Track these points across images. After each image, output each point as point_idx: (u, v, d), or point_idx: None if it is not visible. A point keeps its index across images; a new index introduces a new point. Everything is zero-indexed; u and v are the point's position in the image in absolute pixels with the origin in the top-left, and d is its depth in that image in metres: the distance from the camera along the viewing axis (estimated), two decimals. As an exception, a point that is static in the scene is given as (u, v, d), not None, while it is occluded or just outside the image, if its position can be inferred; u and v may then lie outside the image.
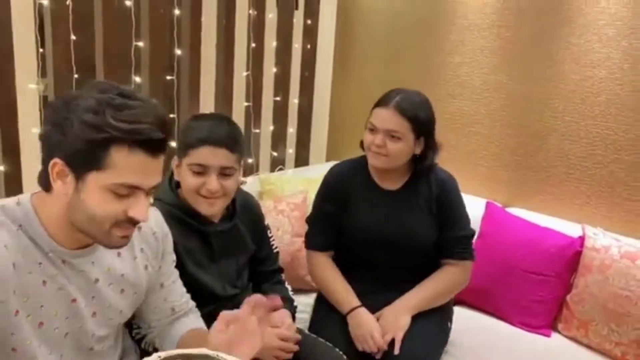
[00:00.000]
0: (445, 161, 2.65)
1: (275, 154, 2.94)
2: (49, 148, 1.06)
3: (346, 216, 1.86)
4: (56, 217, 1.09)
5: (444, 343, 1.88)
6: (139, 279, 1.28)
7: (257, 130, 2.80)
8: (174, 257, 1.42)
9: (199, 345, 1.02)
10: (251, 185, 2.53)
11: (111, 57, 2.19)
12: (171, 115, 2.42)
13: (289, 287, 1.85)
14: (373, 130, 1.75)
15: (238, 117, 2.69)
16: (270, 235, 1.85)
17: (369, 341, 1.69)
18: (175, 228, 1.47)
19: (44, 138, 1.07)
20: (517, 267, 2.16)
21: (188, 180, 1.52)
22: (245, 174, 2.78)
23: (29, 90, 1.97)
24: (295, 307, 1.78)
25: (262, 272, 1.82)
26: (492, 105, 2.57)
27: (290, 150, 3.04)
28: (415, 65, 2.78)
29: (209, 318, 1.44)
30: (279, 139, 2.96)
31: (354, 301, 1.80)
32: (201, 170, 1.50)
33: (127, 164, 1.02)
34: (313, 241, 1.93)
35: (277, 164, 2.96)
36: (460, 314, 2.17)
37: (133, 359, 1.40)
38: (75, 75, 2.08)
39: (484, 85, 2.58)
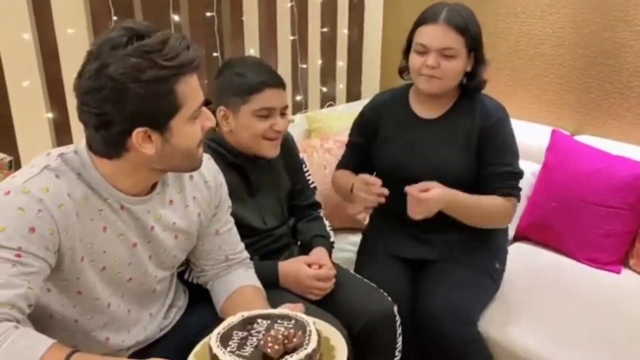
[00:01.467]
0: (507, 86, 2.51)
1: (324, 89, 2.83)
2: (111, 122, 1.03)
3: (375, 148, 1.77)
4: (121, 172, 1.11)
5: (491, 290, 1.74)
6: (190, 226, 1.29)
7: (304, 66, 2.69)
8: (229, 203, 1.41)
9: (250, 305, 1.15)
10: (298, 123, 2.45)
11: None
12: (214, 54, 2.36)
13: (327, 223, 1.80)
14: (423, 51, 1.61)
15: (284, 52, 2.59)
16: (306, 169, 1.81)
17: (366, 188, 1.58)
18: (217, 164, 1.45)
19: (97, 114, 1.02)
20: (584, 199, 1.99)
21: (254, 126, 1.51)
22: (294, 112, 2.71)
23: (69, 35, 1.96)
24: (332, 242, 1.74)
25: (299, 207, 1.78)
26: (559, 23, 2.32)
27: (341, 85, 2.92)
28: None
29: (250, 250, 1.48)
30: (328, 74, 2.84)
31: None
32: (267, 114, 1.50)
33: (191, 92, 1.07)
34: (340, 164, 1.89)
35: (327, 100, 2.85)
36: (518, 249, 2.07)
37: (182, 297, 1.44)
38: (114, 17, 2.05)
39: (550, 1, 2.32)
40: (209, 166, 1.34)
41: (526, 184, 2.13)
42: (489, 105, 1.68)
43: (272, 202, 1.66)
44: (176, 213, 1.26)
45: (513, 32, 2.47)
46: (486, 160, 1.66)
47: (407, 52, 1.70)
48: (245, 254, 1.46)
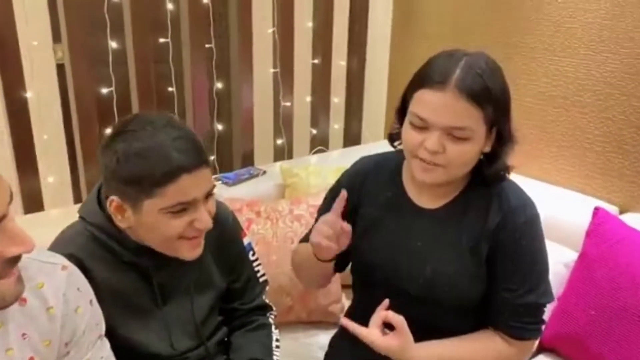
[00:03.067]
0: (537, 141, 1.99)
1: (314, 131, 2.37)
2: None
3: (352, 236, 1.25)
4: None
5: None
6: None
7: (288, 103, 2.23)
8: (99, 331, 1.00)
9: None
10: (270, 175, 1.99)
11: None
12: (169, 89, 1.93)
13: (275, 334, 1.32)
14: (421, 127, 1.10)
15: (261, 86, 2.14)
16: (253, 258, 1.32)
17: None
18: (99, 260, 1.09)
19: None
20: (633, 306, 1.46)
21: (166, 227, 1.04)
22: (275, 158, 2.26)
23: None
24: None
25: (238, 311, 1.31)
26: (610, 65, 1.81)
27: (336, 126, 2.46)
28: (503, 9, 2.06)
29: None
30: (319, 113, 2.37)
31: None
32: (183, 208, 1.03)
33: None
34: (304, 239, 1.37)
35: (317, 144, 2.39)
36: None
37: None
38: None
39: (598, 37, 1.81)
40: (58, 282, 0.91)
41: (557, 279, 1.61)
42: (512, 202, 1.16)
43: (189, 315, 1.19)
44: None
45: (548, 72, 1.96)
46: (500, 281, 1.15)
47: (401, 113, 1.18)
48: None
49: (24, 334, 0.86)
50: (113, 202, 1.04)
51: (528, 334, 1.16)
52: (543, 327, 1.18)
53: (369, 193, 1.27)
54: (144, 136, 1.00)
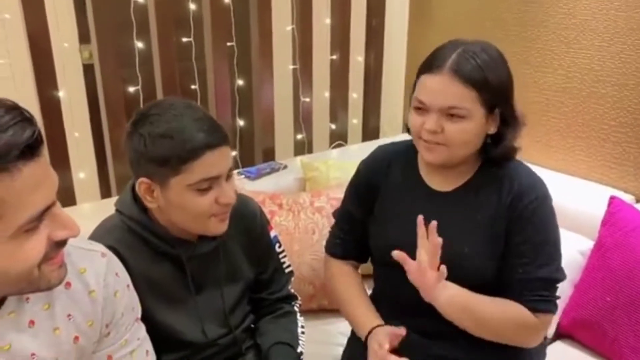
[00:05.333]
0: (554, 132, 2.00)
1: (333, 126, 2.41)
2: None
3: (372, 222, 1.33)
4: None
5: None
6: (63, 355, 0.93)
7: (307, 99, 2.28)
8: (136, 314, 1.04)
9: None
10: (291, 169, 2.04)
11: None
12: (192, 87, 2.00)
13: (300, 321, 1.38)
14: (421, 109, 1.18)
15: (282, 83, 2.19)
16: (279, 250, 1.37)
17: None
18: (136, 252, 1.14)
19: None
20: (651, 294, 1.48)
21: (193, 204, 1.09)
22: (295, 153, 2.30)
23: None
24: (299, 354, 1.30)
25: (265, 301, 1.36)
26: (624, 56, 1.82)
27: (355, 121, 2.49)
28: (518, 2, 2.07)
29: None
30: (338, 108, 2.41)
31: (376, 320, 1.28)
32: (208, 186, 1.08)
33: (16, 196, 0.82)
34: (331, 244, 1.42)
35: (336, 138, 2.43)
36: (558, 352, 1.56)
37: None
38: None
39: (613, 28, 1.83)
40: (99, 268, 0.96)
41: (573, 267, 1.65)
42: (524, 180, 1.22)
43: (220, 303, 1.25)
44: (38, 339, 0.89)
45: (564, 64, 1.97)
46: (513, 258, 1.19)
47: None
48: None
49: (69, 315, 0.92)
50: (142, 183, 1.09)
51: (545, 306, 1.19)
52: (556, 303, 1.21)
53: (387, 181, 1.32)
54: (167, 118, 1.06)
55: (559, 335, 1.68)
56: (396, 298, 1.30)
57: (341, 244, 1.40)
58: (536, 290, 1.18)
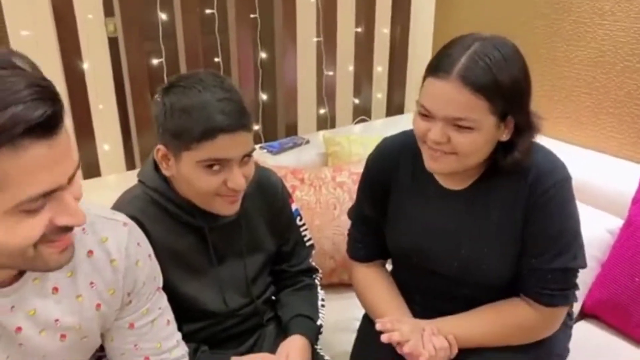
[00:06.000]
0: (585, 108, 1.95)
1: (357, 101, 2.38)
2: None
3: (385, 225, 1.28)
4: None
5: None
6: (86, 322, 0.94)
7: (331, 72, 2.25)
8: (158, 284, 1.05)
9: None
10: (314, 144, 2.03)
11: None
12: (215, 59, 1.98)
13: (321, 294, 1.38)
14: (427, 115, 1.07)
15: (305, 56, 2.16)
16: (300, 223, 1.37)
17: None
18: (158, 223, 1.14)
19: None
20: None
21: (199, 181, 1.09)
22: (318, 128, 2.29)
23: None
24: (319, 327, 1.31)
25: (286, 273, 1.36)
26: (662, 28, 1.74)
27: (379, 95, 2.45)
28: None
29: (204, 335, 1.20)
30: (362, 82, 2.38)
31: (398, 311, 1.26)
32: (219, 166, 1.07)
33: (22, 172, 0.78)
34: (354, 249, 1.38)
35: (359, 113, 2.40)
36: (583, 332, 1.53)
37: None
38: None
39: (651, -2, 1.75)
40: (121, 237, 0.96)
41: (601, 246, 1.62)
42: (540, 168, 1.12)
43: (241, 274, 1.25)
44: (61, 305, 0.91)
45: (597, 37, 1.90)
46: (528, 248, 1.14)
47: None
48: (179, 353, 1.08)
49: (91, 283, 0.93)
50: (159, 150, 1.10)
51: (555, 301, 1.14)
52: (574, 293, 1.17)
53: (396, 178, 1.26)
54: (191, 93, 1.05)
55: (584, 315, 1.65)
56: (414, 289, 1.29)
57: (363, 247, 1.35)
58: (549, 283, 1.13)
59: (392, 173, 1.26)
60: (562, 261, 1.12)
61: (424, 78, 1.09)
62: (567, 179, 1.13)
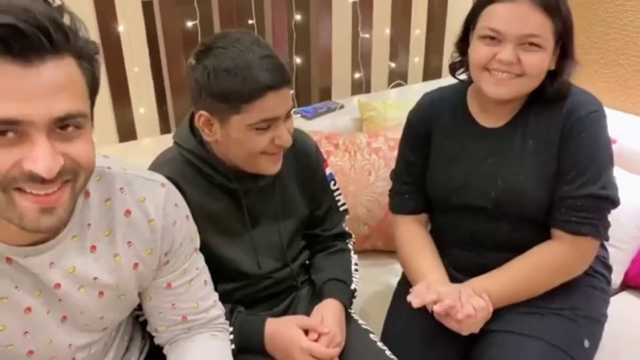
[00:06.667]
0: (633, 74, 1.87)
1: (393, 65, 2.32)
2: None
3: (428, 168, 1.32)
4: None
5: None
6: (122, 281, 0.96)
7: (367, 35, 2.19)
8: (195, 244, 1.06)
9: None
10: (348, 110, 1.99)
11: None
12: (249, 22, 1.95)
13: (354, 259, 1.37)
14: (493, 38, 1.13)
15: (341, 18, 2.11)
16: (334, 188, 1.36)
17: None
18: (193, 184, 1.14)
19: None
20: None
21: (251, 142, 1.09)
22: (352, 92, 2.25)
23: None
24: (353, 291, 1.30)
25: (320, 237, 1.36)
26: None
27: (417, 59, 2.39)
28: None
29: (239, 295, 1.22)
30: (399, 46, 2.31)
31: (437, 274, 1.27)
32: (267, 126, 1.08)
33: None
34: (395, 202, 1.40)
35: (395, 78, 2.34)
36: (625, 304, 1.50)
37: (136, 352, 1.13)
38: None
39: None
40: (158, 197, 0.96)
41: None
42: (575, 98, 1.18)
43: (276, 237, 1.26)
44: (99, 264, 0.92)
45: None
46: (560, 175, 1.17)
47: (463, 41, 1.22)
48: (216, 312, 1.10)
49: (129, 242, 0.94)
50: (202, 116, 1.09)
51: (584, 229, 1.15)
52: (605, 227, 1.17)
53: (437, 121, 1.30)
54: (233, 54, 1.03)
55: (626, 285, 1.60)
56: (452, 235, 1.31)
57: (410, 198, 1.36)
58: (578, 210, 1.15)
59: (433, 120, 1.30)
60: (592, 188, 1.14)
61: (481, 8, 1.14)
62: (601, 111, 1.18)
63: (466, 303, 1.13)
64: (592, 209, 1.15)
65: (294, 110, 2.01)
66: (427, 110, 1.32)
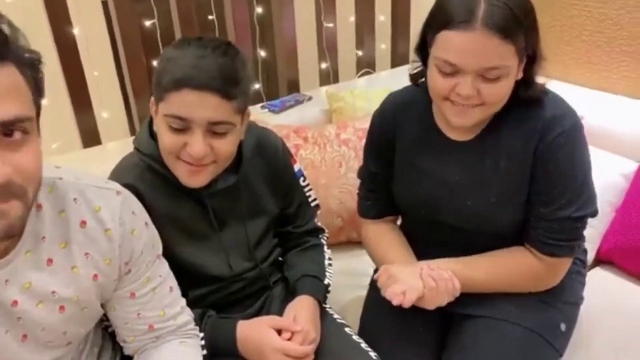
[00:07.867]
0: (597, 50, 1.87)
1: (360, 52, 2.30)
2: None
3: (392, 181, 1.26)
4: None
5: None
6: (83, 292, 0.93)
7: (331, 24, 2.17)
8: (156, 252, 1.03)
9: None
10: (316, 101, 1.97)
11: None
12: (209, 17, 1.91)
13: (328, 254, 1.35)
14: (450, 72, 1.03)
15: (303, 9, 2.08)
16: (304, 184, 1.34)
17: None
18: (156, 190, 1.12)
19: None
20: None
21: (163, 138, 1.06)
22: (320, 83, 2.23)
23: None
24: (327, 286, 1.29)
25: (292, 235, 1.34)
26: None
27: (383, 46, 2.37)
28: None
29: (212, 299, 1.20)
30: (364, 33, 2.29)
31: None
32: (181, 126, 1.03)
33: None
34: (364, 207, 1.36)
35: (363, 66, 2.33)
36: (599, 280, 1.51)
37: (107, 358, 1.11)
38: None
39: None
40: (114, 206, 0.94)
41: (616, 190, 1.58)
42: (547, 114, 1.09)
43: (243, 238, 1.23)
44: (57, 277, 0.90)
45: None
46: (536, 196, 1.12)
47: (422, 49, 1.12)
48: (184, 319, 1.08)
49: (86, 253, 0.91)
50: (152, 103, 1.09)
51: (560, 252, 1.12)
52: (580, 245, 1.15)
53: (401, 130, 1.23)
54: (181, 47, 1.04)
55: (599, 261, 1.62)
56: (424, 240, 1.27)
57: (372, 205, 1.33)
58: (555, 233, 1.11)
59: (398, 128, 1.23)
60: (570, 211, 1.09)
61: (435, 32, 1.02)
62: (576, 127, 1.10)
63: (426, 277, 1.09)
64: (569, 231, 1.11)
65: (261, 105, 1.99)
66: (391, 117, 1.23)
